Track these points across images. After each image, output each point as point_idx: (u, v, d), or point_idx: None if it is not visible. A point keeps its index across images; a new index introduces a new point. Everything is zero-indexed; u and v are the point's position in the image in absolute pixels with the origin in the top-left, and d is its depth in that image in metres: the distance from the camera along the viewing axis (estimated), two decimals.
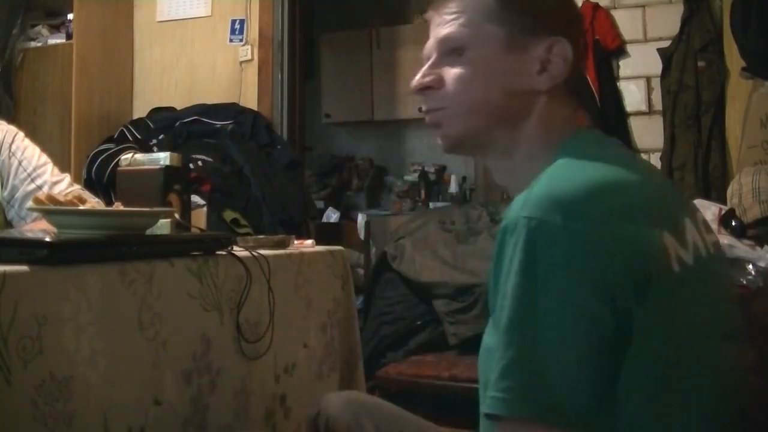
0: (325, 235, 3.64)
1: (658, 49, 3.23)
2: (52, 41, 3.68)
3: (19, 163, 1.79)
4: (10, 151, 1.79)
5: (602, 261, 0.77)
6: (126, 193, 1.49)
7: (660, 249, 0.80)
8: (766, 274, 2.05)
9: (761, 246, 2.22)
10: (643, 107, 3.33)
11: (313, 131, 5.21)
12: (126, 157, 1.59)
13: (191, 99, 3.72)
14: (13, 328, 0.94)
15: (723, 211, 2.40)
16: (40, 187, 1.76)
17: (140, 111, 3.80)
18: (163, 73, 3.89)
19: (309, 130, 4.56)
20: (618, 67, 3.35)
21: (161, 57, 3.89)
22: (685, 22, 3.15)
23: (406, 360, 2.57)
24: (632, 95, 3.34)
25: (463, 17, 0.97)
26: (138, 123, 3.58)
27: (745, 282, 2.05)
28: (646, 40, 3.32)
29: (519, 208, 0.81)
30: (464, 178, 5.15)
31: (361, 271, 3.47)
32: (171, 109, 3.72)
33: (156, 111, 3.70)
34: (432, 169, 5.29)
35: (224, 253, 1.41)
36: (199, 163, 3.20)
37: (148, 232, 1.33)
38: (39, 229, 1.44)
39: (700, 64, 3.10)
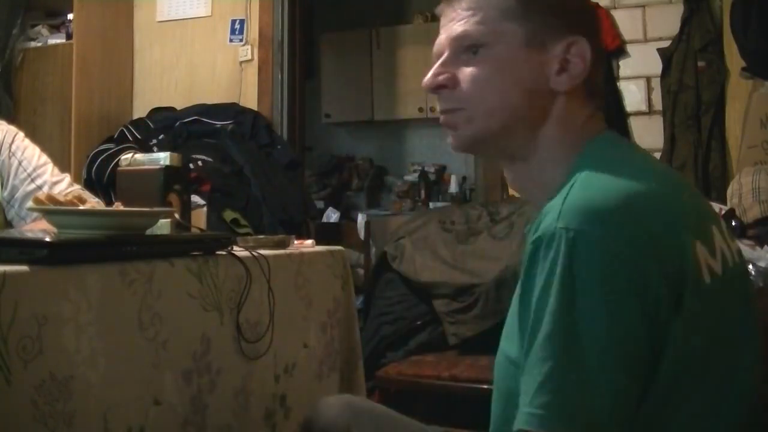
0: (325, 235, 3.64)
1: (658, 49, 3.22)
2: (52, 41, 3.68)
3: (19, 163, 1.79)
4: (10, 151, 1.79)
5: (643, 274, 0.75)
6: (126, 193, 1.49)
7: (693, 259, 0.79)
8: (766, 274, 2.05)
9: (761, 246, 2.22)
10: (643, 107, 3.32)
11: (313, 131, 5.21)
12: (126, 157, 1.59)
13: (191, 99, 3.72)
14: (13, 328, 0.94)
15: (723, 211, 2.40)
16: (40, 187, 1.76)
17: (140, 111, 3.80)
18: (163, 73, 3.89)
19: (309, 130, 4.55)
20: (618, 67, 3.35)
21: (161, 57, 3.89)
22: (685, 22, 3.15)
23: (406, 360, 2.57)
24: (632, 95, 3.33)
25: (480, 14, 0.93)
26: (138, 123, 3.58)
27: None
28: (646, 40, 3.31)
29: (554, 219, 0.78)
30: (464, 178, 5.14)
31: (361, 271, 3.47)
32: (171, 109, 3.72)
33: (156, 111, 3.70)
34: (432, 169, 5.29)
35: (224, 253, 1.40)
36: (199, 163, 3.20)
37: (148, 232, 1.33)
38: (39, 229, 1.44)
39: (700, 64, 3.10)
